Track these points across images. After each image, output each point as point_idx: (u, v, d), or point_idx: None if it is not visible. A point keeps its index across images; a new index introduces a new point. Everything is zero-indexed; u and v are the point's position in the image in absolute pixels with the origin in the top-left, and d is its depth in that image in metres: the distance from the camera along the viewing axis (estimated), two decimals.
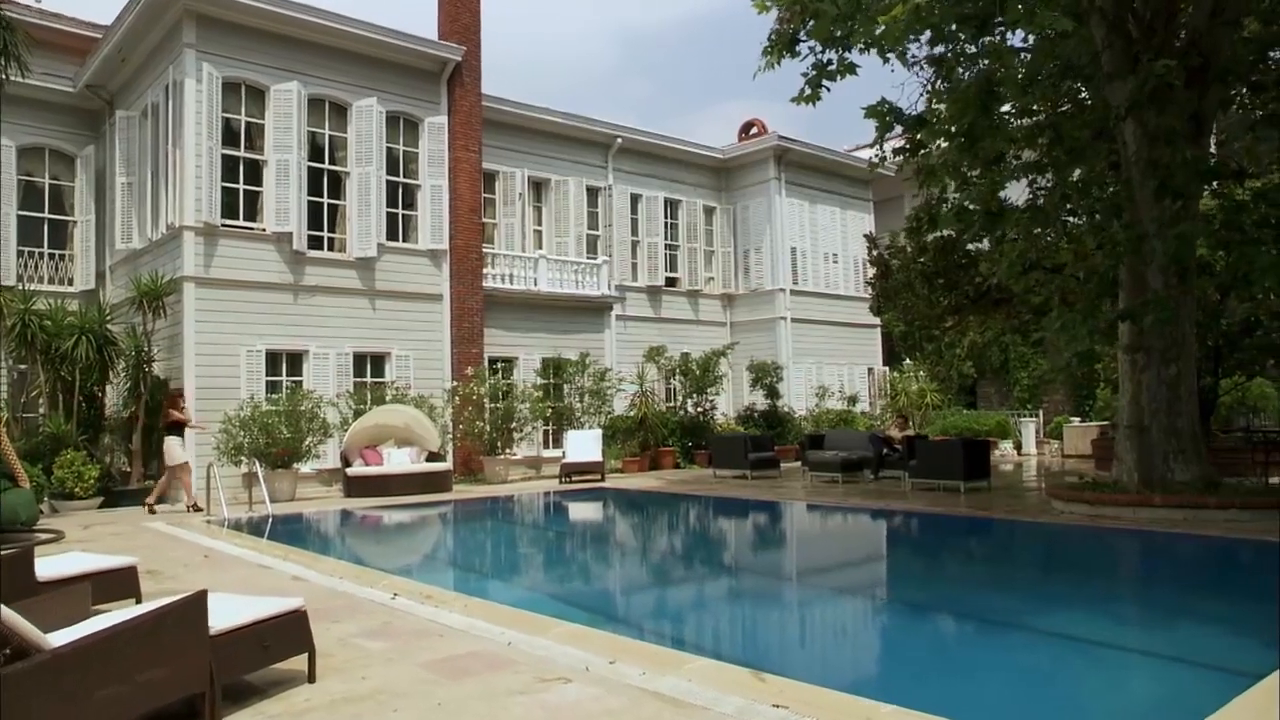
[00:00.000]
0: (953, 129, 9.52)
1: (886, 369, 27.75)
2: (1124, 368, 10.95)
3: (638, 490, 16.13)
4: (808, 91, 9.67)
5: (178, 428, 13.68)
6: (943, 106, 10.75)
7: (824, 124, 71.91)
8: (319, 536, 12.07)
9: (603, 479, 17.32)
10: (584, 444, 17.68)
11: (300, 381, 16.33)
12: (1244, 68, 10.40)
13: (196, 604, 4.10)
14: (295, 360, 16.57)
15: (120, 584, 6.40)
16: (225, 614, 4.45)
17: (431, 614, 6.29)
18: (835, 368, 25.85)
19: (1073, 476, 16.17)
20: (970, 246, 17.01)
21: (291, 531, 11.77)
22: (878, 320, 27.83)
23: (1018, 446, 24.01)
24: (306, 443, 15.13)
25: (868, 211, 28.04)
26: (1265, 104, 11.16)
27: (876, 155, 11.53)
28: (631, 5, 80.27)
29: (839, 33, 8.89)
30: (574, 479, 17.26)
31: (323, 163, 17.21)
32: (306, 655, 4.79)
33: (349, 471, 15.42)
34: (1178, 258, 9.45)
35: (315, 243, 16.99)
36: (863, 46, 9.20)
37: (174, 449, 13.55)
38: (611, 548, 11.43)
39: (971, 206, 10.27)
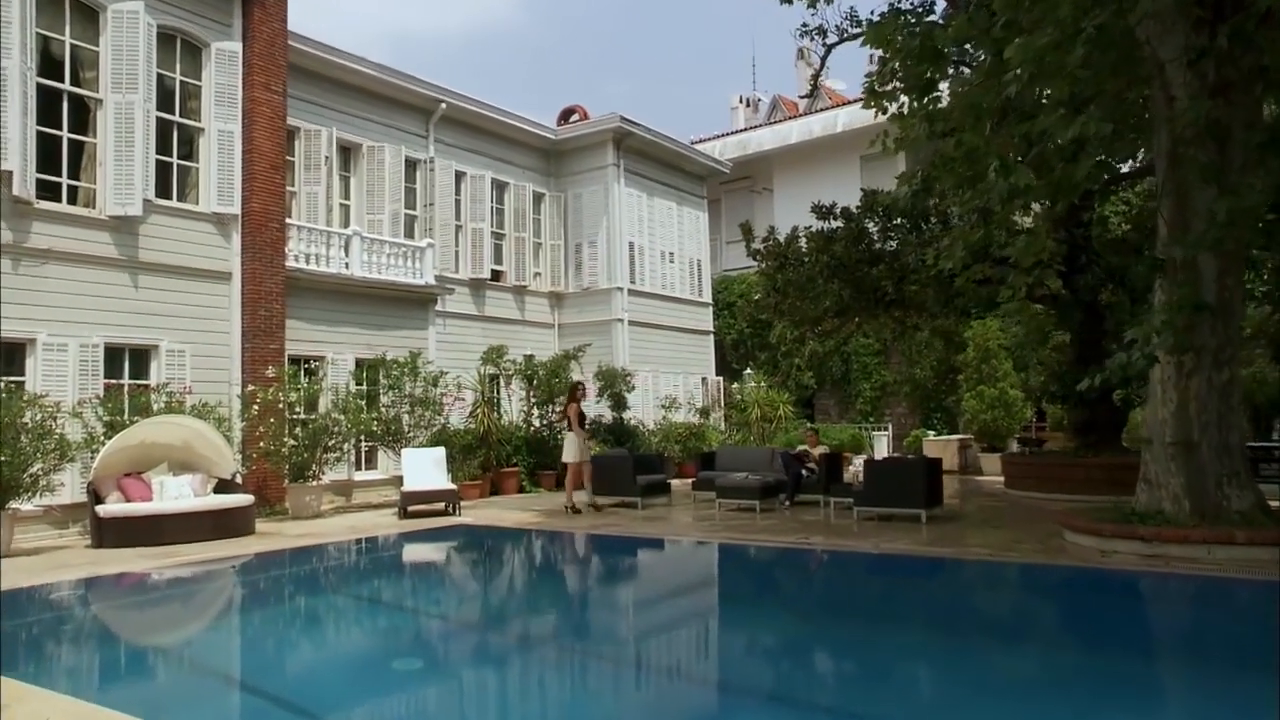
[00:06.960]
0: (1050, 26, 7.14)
1: (720, 379, 25.77)
2: (1165, 372, 9.09)
3: (515, 528, 12.51)
4: None
5: (579, 422, 13.73)
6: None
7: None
8: (78, 638, 7.37)
9: (455, 511, 13.57)
10: (425, 466, 13.86)
11: (22, 382, 11.48)
12: None
13: None
14: (14, 353, 11.69)
15: None
16: None
17: None
18: (671, 376, 23.43)
19: (992, 499, 14.53)
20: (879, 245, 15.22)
21: (24, 631, 7.15)
22: (712, 327, 25.84)
23: None
24: (34, 469, 10.44)
25: (702, 210, 26.06)
26: None
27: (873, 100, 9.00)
28: (406, 10, 76.74)
29: None
30: (411, 511, 13.40)
31: (62, 82, 12.42)
32: None
33: (100, 510, 10.76)
34: None
35: (49, 190, 12.19)
36: None
37: (574, 444, 13.58)
38: (600, 643, 6.94)
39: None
